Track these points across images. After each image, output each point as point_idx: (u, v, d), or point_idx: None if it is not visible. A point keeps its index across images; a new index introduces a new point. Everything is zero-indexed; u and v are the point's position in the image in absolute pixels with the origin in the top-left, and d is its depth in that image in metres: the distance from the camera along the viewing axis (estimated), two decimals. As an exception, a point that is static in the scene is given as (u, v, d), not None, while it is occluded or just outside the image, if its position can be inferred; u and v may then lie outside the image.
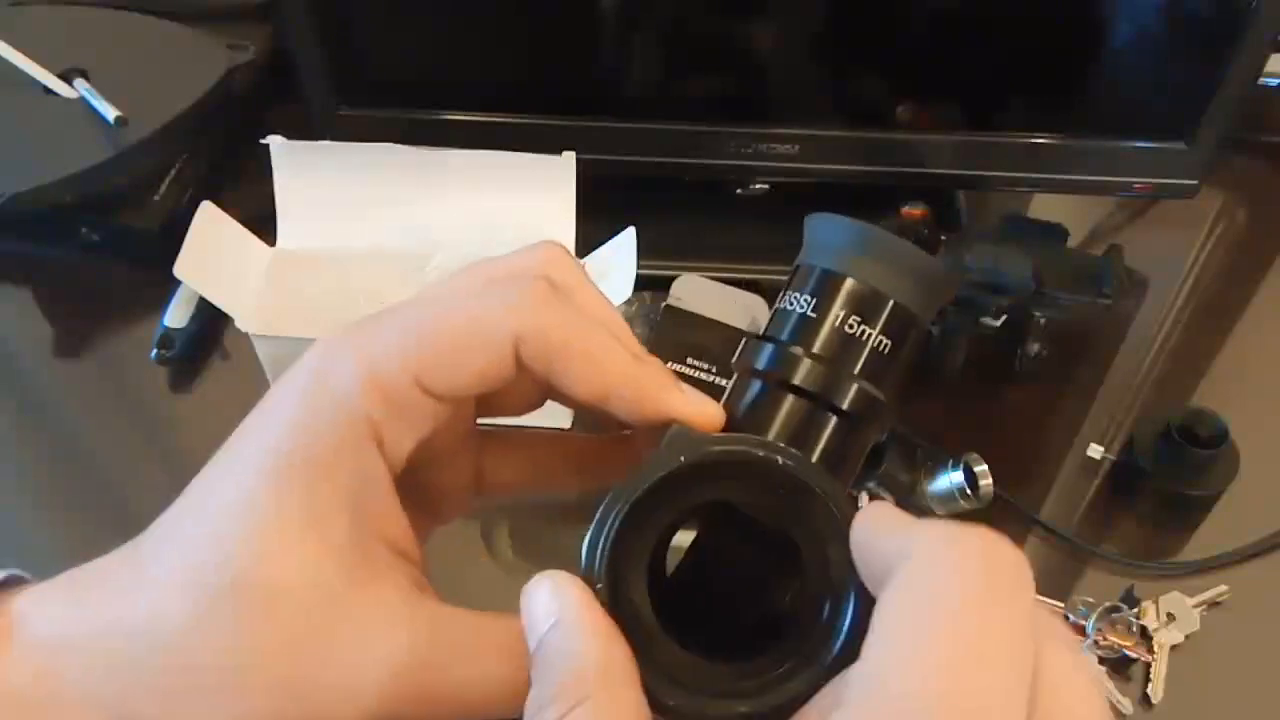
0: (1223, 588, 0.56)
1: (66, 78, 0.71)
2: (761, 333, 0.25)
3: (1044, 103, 0.66)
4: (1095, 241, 0.75)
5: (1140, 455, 0.60)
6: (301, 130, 0.63)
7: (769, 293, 0.62)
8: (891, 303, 0.24)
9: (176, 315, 0.66)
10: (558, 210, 0.61)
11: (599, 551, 0.22)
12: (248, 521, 0.22)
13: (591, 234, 0.60)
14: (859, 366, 0.24)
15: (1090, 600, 0.54)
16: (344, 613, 0.22)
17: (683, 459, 0.22)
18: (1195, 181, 0.66)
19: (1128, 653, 0.53)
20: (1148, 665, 0.53)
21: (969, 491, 0.54)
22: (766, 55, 0.65)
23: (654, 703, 0.21)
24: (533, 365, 0.23)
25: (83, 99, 0.70)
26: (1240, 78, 0.61)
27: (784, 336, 0.25)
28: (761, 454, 0.22)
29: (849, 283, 0.24)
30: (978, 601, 0.18)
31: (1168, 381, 0.67)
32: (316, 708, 0.21)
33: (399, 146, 0.61)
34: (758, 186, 0.70)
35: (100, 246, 0.71)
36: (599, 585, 0.21)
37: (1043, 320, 0.63)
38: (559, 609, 0.21)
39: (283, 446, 0.22)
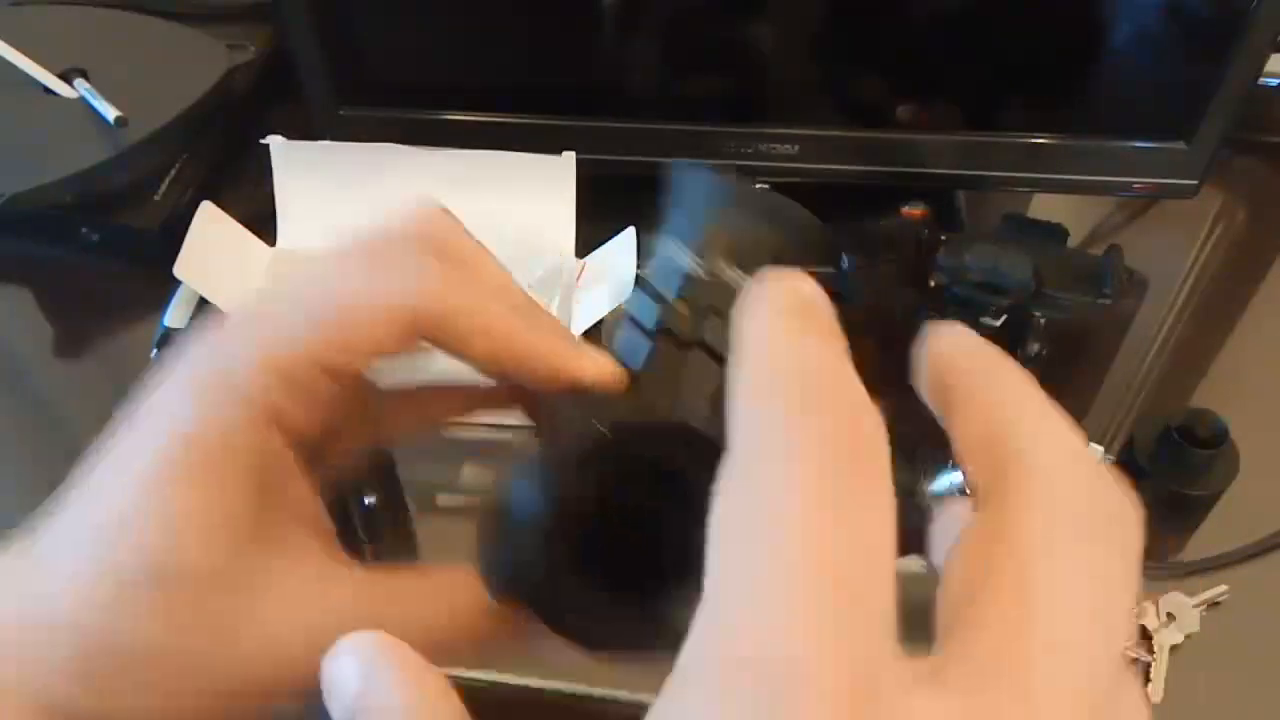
0: (1223, 588, 0.56)
1: (66, 78, 0.71)
2: (643, 284, 0.26)
3: (1044, 103, 0.66)
4: (1095, 241, 0.75)
5: (1140, 455, 0.60)
6: (301, 130, 0.63)
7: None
8: (765, 251, 0.25)
9: (176, 315, 0.66)
10: (558, 210, 0.61)
11: (529, 527, 0.22)
12: (158, 511, 0.22)
13: (591, 234, 0.60)
14: None
15: (1090, 600, 0.54)
16: (261, 589, 0.22)
17: (600, 426, 0.23)
18: (1195, 181, 0.66)
19: (1127, 652, 0.53)
20: (1148, 665, 0.53)
21: (969, 491, 0.54)
22: (766, 55, 0.65)
23: (588, 647, 0.22)
24: (433, 340, 0.24)
25: (83, 99, 0.70)
26: (1240, 78, 0.61)
27: (664, 290, 0.25)
28: (675, 416, 0.23)
29: (720, 234, 0.25)
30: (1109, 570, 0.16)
31: (1168, 381, 0.67)
32: (245, 680, 0.22)
33: (399, 146, 0.61)
34: (758, 187, 0.70)
35: (100, 246, 0.70)
36: (529, 555, 0.22)
37: (1043, 320, 0.63)
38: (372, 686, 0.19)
39: (186, 434, 0.22)
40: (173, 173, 0.72)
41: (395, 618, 0.23)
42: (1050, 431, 0.17)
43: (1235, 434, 0.58)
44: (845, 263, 0.63)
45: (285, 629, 0.22)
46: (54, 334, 0.69)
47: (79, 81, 0.70)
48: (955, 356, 0.19)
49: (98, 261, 0.71)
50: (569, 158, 0.60)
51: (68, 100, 0.70)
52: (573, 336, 0.26)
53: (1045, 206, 0.74)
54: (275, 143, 0.61)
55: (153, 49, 0.77)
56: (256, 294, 0.25)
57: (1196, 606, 0.55)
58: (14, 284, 0.72)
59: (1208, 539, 0.59)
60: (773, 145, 0.66)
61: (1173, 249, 0.77)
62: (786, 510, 0.14)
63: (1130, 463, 0.60)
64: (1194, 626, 0.54)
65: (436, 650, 0.23)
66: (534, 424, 0.27)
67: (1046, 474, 0.16)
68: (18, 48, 0.70)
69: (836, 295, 0.18)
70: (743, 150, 0.66)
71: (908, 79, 0.66)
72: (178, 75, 0.74)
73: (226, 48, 0.76)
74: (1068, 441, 0.17)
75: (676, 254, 0.25)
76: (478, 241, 0.27)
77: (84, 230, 0.70)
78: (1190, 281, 0.74)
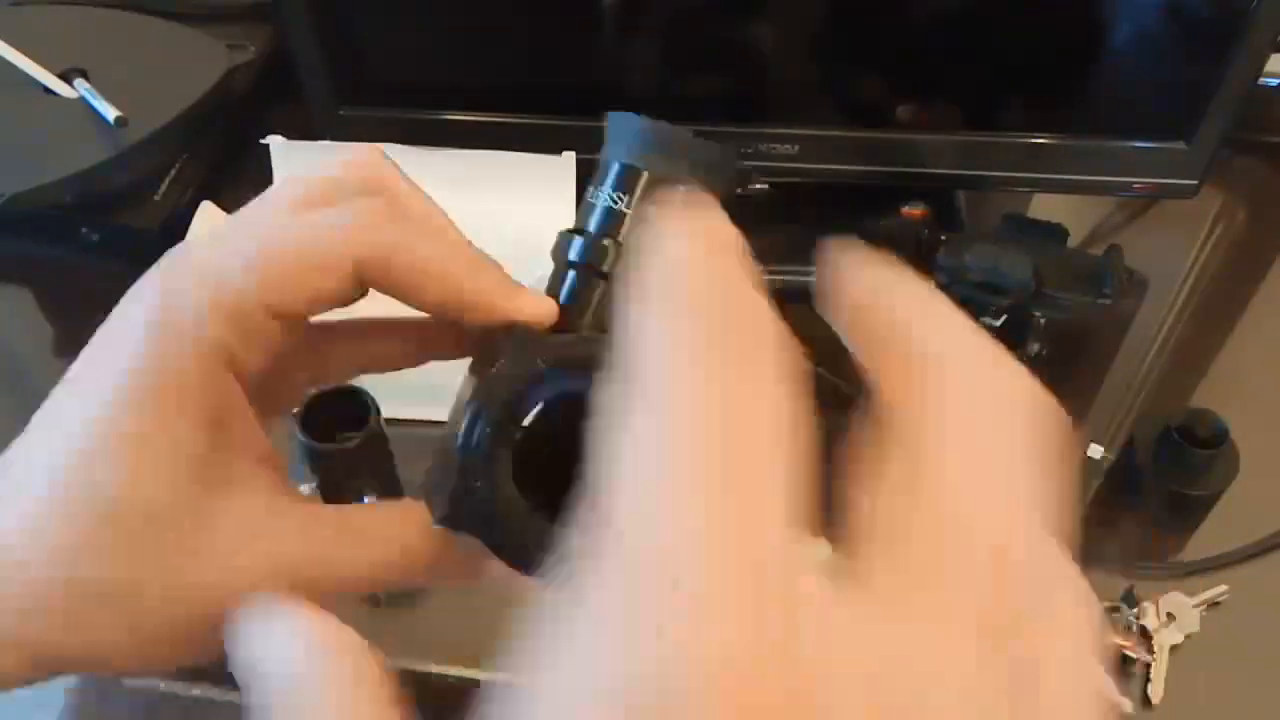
0: (1223, 588, 0.56)
1: (66, 78, 0.71)
2: (573, 227, 0.27)
3: (1044, 103, 0.66)
4: (1095, 241, 0.75)
5: (1140, 455, 0.60)
6: (301, 130, 0.63)
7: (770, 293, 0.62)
8: (683, 189, 0.26)
9: (176, 315, 0.66)
10: (558, 210, 0.61)
11: (476, 459, 0.23)
12: (116, 449, 0.22)
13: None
14: None
15: (1090, 600, 0.54)
16: (214, 524, 0.23)
17: (540, 362, 0.24)
18: (1195, 181, 0.66)
19: (1128, 653, 0.53)
20: (1148, 665, 0.53)
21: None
22: (766, 55, 0.65)
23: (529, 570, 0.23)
24: (375, 284, 0.24)
25: (83, 99, 0.70)
26: (1240, 78, 0.61)
27: (593, 228, 0.27)
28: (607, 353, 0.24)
29: (645, 175, 0.26)
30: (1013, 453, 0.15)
31: (1168, 381, 0.67)
32: (199, 613, 0.23)
33: (399, 146, 0.61)
34: (758, 186, 0.70)
35: (100, 246, 0.71)
36: (478, 485, 0.23)
37: (1043, 320, 0.63)
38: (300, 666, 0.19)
39: (138, 377, 0.23)
40: (173, 173, 0.72)
41: (345, 547, 0.25)
42: (945, 326, 0.17)
43: (1235, 434, 0.58)
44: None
45: (237, 562, 0.23)
46: (54, 334, 0.69)
47: (79, 81, 0.70)
48: (855, 276, 0.18)
49: (98, 261, 0.71)
50: (569, 158, 0.60)
51: (68, 100, 0.70)
52: (506, 274, 0.27)
53: (1045, 206, 0.74)
54: (275, 143, 0.61)
55: (153, 49, 0.77)
56: (208, 234, 0.25)
57: (1196, 606, 0.55)
58: (14, 284, 0.72)
59: (1208, 539, 0.59)
60: (773, 145, 0.66)
61: (1173, 249, 0.77)
62: (671, 396, 0.14)
63: (1130, 463, 0.60)
64: (1194, 626, 0.54)
65: (386, 579, 0.25)
66: (473, 361, 0.28)
67: (938, 362, 0.16)
68: (18, 48, 0.70)
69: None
70: (743, 150, 0.66)
71: (908, 79, 0.66)
72: (178, 75, 0.74)
73: (226, 48, 0.76)
74: (962, 334, 0.17)
75: (604, 193, 0.27)
76: (413, 183, 0.28)
77: (84, 230, 0.70)
78: (1190, 281, 0.74)
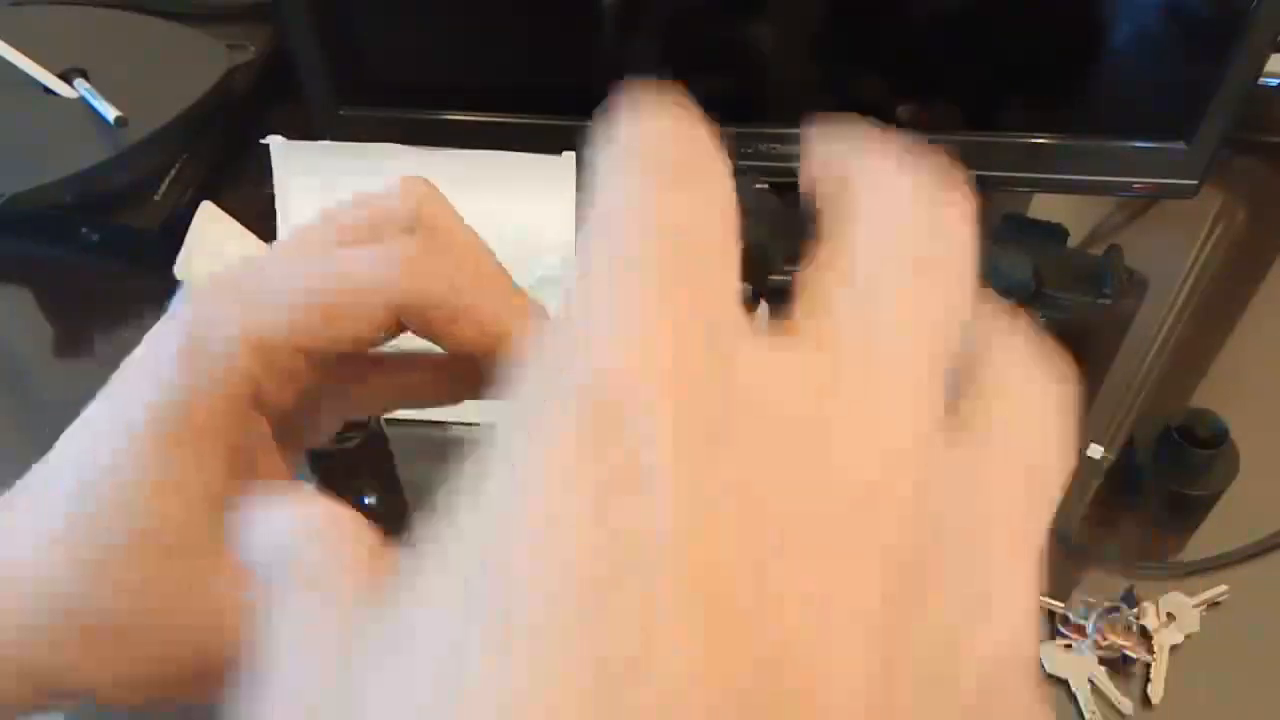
0: (1223, 588, 0.56)
1: (66, 78, 0.71)
2: None
3: (1044, 103, 0.66)
4: (1095, 241, 0.75)
5: (1140, 455, 0.60)
6: (301, 130, 0.63)
7: (769, 293, 0.62)
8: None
9: (176, 315, 0.66)
10: (558, 210, 0.61)
11: None
12: (133, 480, 0.22)
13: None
14: None
15: (1090, 600, 0.54)
16: (232, 564, 0.23)
17: None
18: (1195, 181, 0.66)
19: (1128, 653, 0.53)
20: (1148, 665, 0.53)
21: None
22: (766, 55, 0.65)
23: None
24: (412, 328, 0.24)
25: (83, 99, 0.70)
26: (1240, 78, 0.61)
27: None
28: None
29: None
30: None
31: (1168, 381, 0.67)
32: (214, 651, 0.23)
33: (399, 146, 0.61)
34: (758, 186, 0.70)
35: (100, 246, 0.71)
36: None
37: (1043, 320, 0.63)
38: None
39: (166, 410, 0.22)
40: (173, 173, 0.72)
41: None
42: (884, 168, 0.18)
43: (1235, 434, 0.58)
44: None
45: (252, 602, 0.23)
46: (54, 334, 0.69)
47: (79, 81, 0.71)
48: (832, 149, 0.19)
49: (98, 261, 0.71)
50: (569, 158, 0.60)
51: (68, 100, 0.70)
52: (546, 316, 0.26)
53: (1045, 206, 0.74)
54: (275, 143, 0.61)
55: (153, 49, 0.77)
56: (240, 263, 0.24)
57: (1196, 606, 0.55)
58: (14, 284, 0.72)
59: (1208, 539, 0.59)
60: (773, 145, 0.66)
61: (1173, 249, 0.77)
62: (617, 205, 0.15)
63: (1130, 463, 0.60)
64: (1194, 626, 0.54)
65: None
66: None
67: (875, 189, 0.17)
68: (18, 48, 0.70)
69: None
70: (743, 150, 0.66)
71: (908, 79, 0.66)
72: (178, 75, 0.74)
73: (226, 48, 0.76)
74: (900, 175, 0.17)
75: None
76: (461, 219, 0.27)
77: (84, 230, 0.70)
78: (1190, 281, 0.74)
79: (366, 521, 0.18)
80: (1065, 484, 0.15)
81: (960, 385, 0.15)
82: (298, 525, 0.17)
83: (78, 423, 0.24)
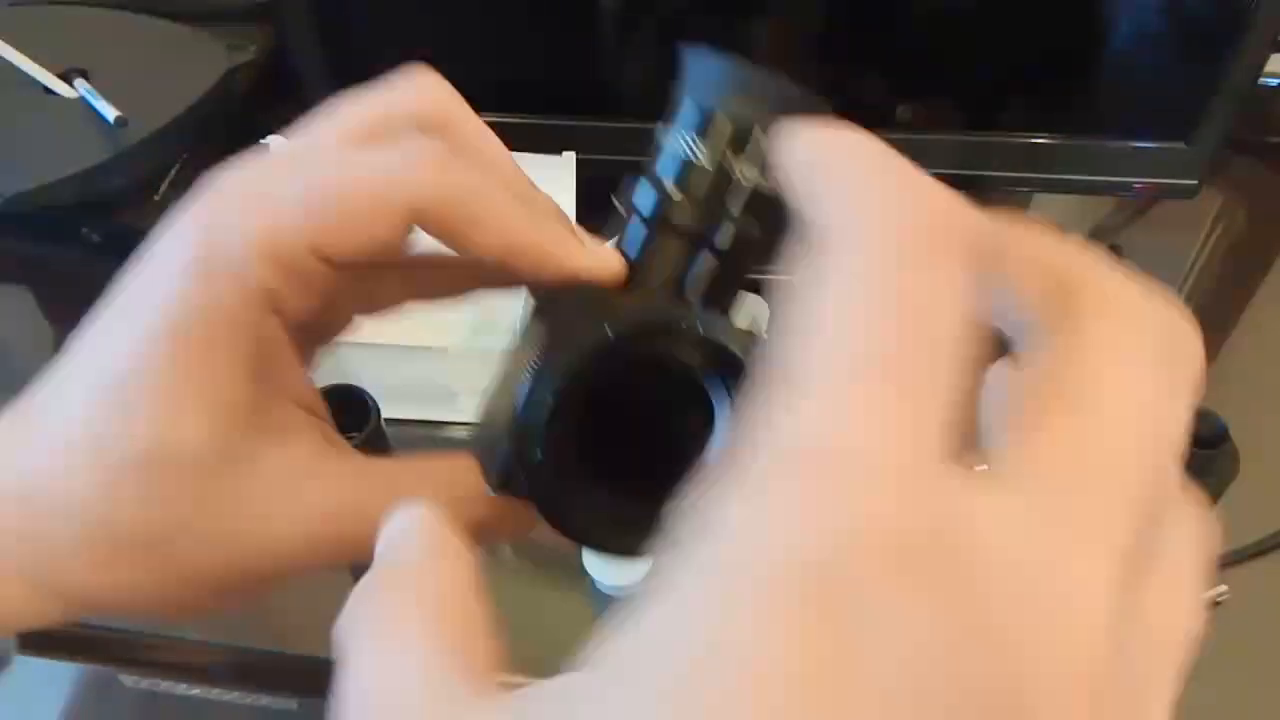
0: (1223, 588, 0.56)
1: (66, 78, 0.71)
2: (646, 171, 0.25)
3: (1044, 103, 0.66)
4: (1095, 241, 0.75)
5: (1140, 455, 0.60)
6: (301, 130, 0.62)
7: (770, 293, 0.62)
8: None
9: (176, 315, 0.66)
10: (558, 210, 0.61)
11: (535, 428, 0.22)
12: (152, 391, 0.21)
13: (591, 234, 0.60)
14: (740, 207, 0.24)
15: (1090, 600, 0.54)
16: (256, 472, 0.22)
17: (609, 330, 0.22)
18: (1195, 181, 0.66)
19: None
20: (1148, 665, 0.53)
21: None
22: (766, 55, 0.65)
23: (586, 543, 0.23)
24: (430, 231, 0.23)
25: (83, 99, 0.70)
26: (1240, 78, 0.61)
27: (667, 178, 0.24)
28: (684, 324, 0.22)
29: (725, 122, 0.24)
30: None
31: (1168, 381, 0.67)
32: (241, 562, 0.22)
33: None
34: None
35: (100, 246, 0.71)
36: (538, 453, 0.22)
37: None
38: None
39: (178, 318, 0.22)
40: (173, 173, 0.72)
41: (390, 503, 0.24)
42: (1113, 270, 0.17)
43: (1235, 434, 0.58)
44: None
45: (280, 511, 0.22)
46: (54, 334, 0.69)
47: (79, 81, 0.71)
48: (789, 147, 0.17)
49: (98, 261, 0.71)
50: (569, 158, 0.60)
51: (68, 100, 0.70)
52: (572, 226, 0.25)
53: (1045, 206, 0.74)
54: (275, 143, 0.61)
55: (153, 49, 0.78)
56: (252, 164, 0.24)
57: (1196, 606, 0.55)
58: (14, 284, 0.72)
59: (1208, 539, 0.59)
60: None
61: (1173, 249, 0.77)
62: (848, 301, 0.14)
63: (1130, 463, 0.60)
64: (1194, 626, 0.54)
65: None
66: (530, 292, 0.26)
67: (1112, 299, 0.16)
68: (18, 48, 0.70)
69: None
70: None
71: (908, 79, 0.66)
72: (178, 75, 0.74)
73: (226, 48, 0.76)
74: (1129, 277, 0.16)
75: (680, 141, 0.24)
76: (473, 115, 0.26)
77: (84, 230, 0.70)
78: (1190, 281, 0.74)
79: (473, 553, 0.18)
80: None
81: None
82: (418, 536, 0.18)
83: (87, 327, 0.23)
